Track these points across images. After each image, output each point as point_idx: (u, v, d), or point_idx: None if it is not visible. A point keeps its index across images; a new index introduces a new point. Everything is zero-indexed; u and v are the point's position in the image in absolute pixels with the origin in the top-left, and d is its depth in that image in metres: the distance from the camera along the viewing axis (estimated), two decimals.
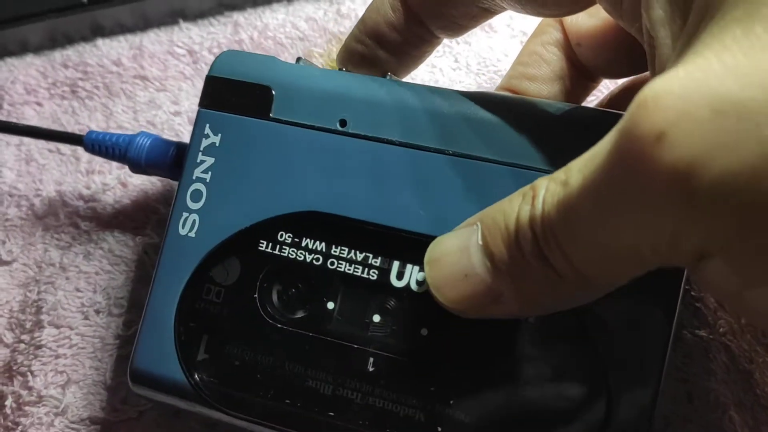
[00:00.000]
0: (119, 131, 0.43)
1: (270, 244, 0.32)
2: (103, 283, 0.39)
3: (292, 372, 0.31)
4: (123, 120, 0.43)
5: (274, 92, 0.33)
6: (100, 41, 0.45)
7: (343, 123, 0.32)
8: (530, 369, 0.29)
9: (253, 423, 0.31)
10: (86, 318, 0.38)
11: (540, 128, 0.30)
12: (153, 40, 0.45)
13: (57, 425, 0.36)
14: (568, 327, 0.29)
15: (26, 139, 0.44)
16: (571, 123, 0.30)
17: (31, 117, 0.44)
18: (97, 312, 0.38)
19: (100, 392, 0.37)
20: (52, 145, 0.43)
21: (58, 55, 0.46)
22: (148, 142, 0.37)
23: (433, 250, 0.27)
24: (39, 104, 0.45)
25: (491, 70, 0.41)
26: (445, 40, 0.39)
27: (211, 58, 0.44)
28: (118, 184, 0.41)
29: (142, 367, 0.32)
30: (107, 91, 0.44)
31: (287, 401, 0.30)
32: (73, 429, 0.36)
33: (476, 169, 0.30)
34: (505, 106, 0.31)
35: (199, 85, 0.43)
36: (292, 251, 0.32)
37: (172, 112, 0.43)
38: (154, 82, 0.44)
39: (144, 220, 0.40)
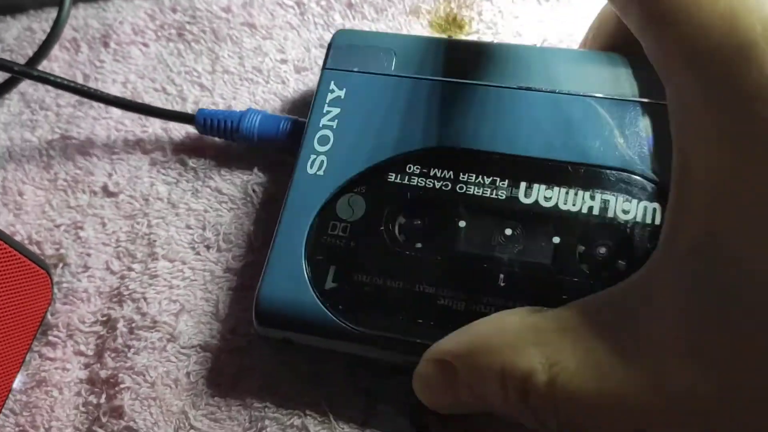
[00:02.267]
0: (226, 75, 0.44)
1: (398, 176, 0.35)
2: (212, 219, 0.40)
3: (423, 293, 0.32)
4: (229, 64, 0.44)
5: (395, 52, 0.37)
6: None
7: (461, 74, 0.36)
8: None
9: (386, 342, 0.32)
10: (197, 253, 0.39)
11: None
12: None
13: (169, 350, 0.37)
14: None
15: (132, 77, 0.45)
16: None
17: (137, 57, 0.45)
18: (207, 247, 0.39)
19: (210, 322, 0.37)
20: (158, 84, 0.44)
21: None
22: (258, 118, 0.40)
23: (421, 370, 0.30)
24: (145, 45, 0.46)
25: None
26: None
27: (318, 11, 0.45)
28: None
29: (271, 296, 0.33)
30: (214, 36, 0.45)
31: (420, 320, 0.32)
32: (184, 354, 0.37)
33: (576, 104, 0.35)
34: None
35: (305, 35, 0.44)
36: (421, 180, 0.34)
37: (279, 60, 0.44)
38: (261, 30, 0.45)
39: (250, 161, 0.41)
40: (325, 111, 0.37)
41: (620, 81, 0.35)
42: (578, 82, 0.35)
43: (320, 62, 0.43)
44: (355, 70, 0.38)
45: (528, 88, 0.36)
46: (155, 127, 0.43)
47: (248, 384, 0.36)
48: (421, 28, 0.44)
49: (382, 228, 0.34)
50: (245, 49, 0.45)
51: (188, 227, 0.40)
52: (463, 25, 0.43)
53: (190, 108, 0.43)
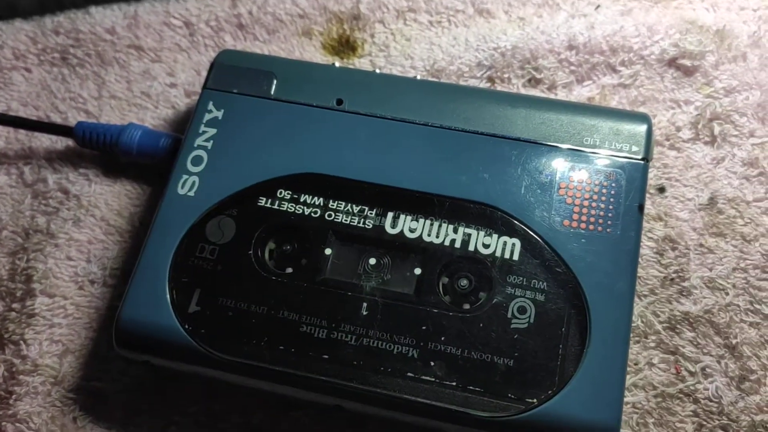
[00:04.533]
0: (113, 101, 0.42)
1: (269, 200, 0.35)
2: (98, 252, 0.38)
3: (286, 319, 0.32)
4: (116, 90, 0.43)
5: (276, 76, 0.37)
6: (93, 8, 0.45)
7: (339, 102, 0.37)
8: (515, 303, 0.32)
9: (245, 368, 0.32)
10: (81, 288, 0.38)
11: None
12: (148, 10, 0.44)
13: (54, 395, 0.35)
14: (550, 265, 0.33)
15: (14, 105, 0.43)
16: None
17: (19, 83, 0.43)
18: (92, 282, 0.38)
19: (96, 362, 0.36)
20: (42, 111, 0.43)
21: (48, 21, 0.45)
22: (139, 133, 0.39)
23: None
24: (28, 70, 0.44)
25: (491, 47, 0.42)
26: (444, 22, 0.42)
27: (208, 32, 0.44)
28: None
29: (132, 317, 0.33)
30: (99, 60, 0.43)
31: (281, 347, 0.32)
32: (69, 398, 0.35)
33: (450, 138, 0.36)
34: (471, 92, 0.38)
35: (196, 58, 0.43)
36: (291, 206, 0.35)
37: (168, 83, 0.43)
38: (149, 52, 0.43)
39: (138, 191, 0.40)
40: (201, 131, 0.36)
41: (493, 117, 0.36)
42: (453, 117, 0.36)
43: None
44: (235, 91, 0.37)
45: (402, 120, 0.36)
46: (38, 157, 0.41)
47: (138, 427, 0.35)
48: (314, 50, 0.43)
49: (251, 252, 0.34)
50: (133, 73, 0.43)
51: (69, 258, 0.38)
52: (356, 47, 0.43)
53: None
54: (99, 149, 0.40)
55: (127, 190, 0.40)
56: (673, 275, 0.36)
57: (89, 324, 0.37)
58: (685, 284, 0.36)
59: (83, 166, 0.40)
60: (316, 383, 0.32)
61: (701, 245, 0.37)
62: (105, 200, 0.39)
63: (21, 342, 0.36)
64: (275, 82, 0.37)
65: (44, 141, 0.42)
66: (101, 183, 0.40)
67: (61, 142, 0.41)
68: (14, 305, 0.37)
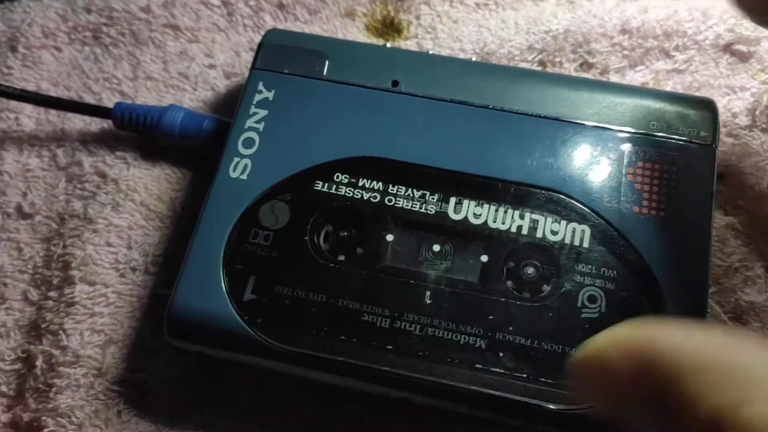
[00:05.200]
0: (149, 82, 0.41)
1: (325, 184, 0.33)
2: (139, 239, 0.37)
3: (346, 308, 0.31)
4: (152, 70, 0.41)
5: (328, 56, 0.36)
6: None
7: (395, 84, 0.35)
8: (585, 292, 0.31)
9: (306, 359, 0.31)
10: (122, 275, 0.36)
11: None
12: None
13: (97, 387, 0.34)
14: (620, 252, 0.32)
15: (44, 84, 0.41)
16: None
17: (48, 62, 0.42)
18: (134, 270, 0.36)
19: (140, 353, 0.34)
20: (74, 92, 0.41)
21: None
22: (182, 114, 0.38)
23: None
24: (58, 49, 0.42)
25: (542, 30, 0.41)
26: (491, 5, 0.42)
27: (247, 11, 0.42)
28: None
29: (185, 306, 0.32)
30: (134, 39, 0.42)
31: (342, 337, 0.31)
32: (113, 391, 0.34)
33: (512, 121, 0.34)
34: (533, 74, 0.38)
35: (234, 38, 0.42)
36: (349, 190, 0.33)
37: (206, 64, 0.41)
38: (186, 32, 0.42)
39: (179, 175, 0.38)
40: (251, 112, 0.35)
41: (556, 101, 0.35)
42: (514, 99, 0.35)
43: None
44: (286, 71, 0.36)
45: (463, 103, 0.35)
46: (72, 139, 0.40)
47: (186, 420, 0.33)
48: (357, 32, 0.41)
49: (307, 238, 0.33)
50: (169, 53, 0.41)
51: (109, 245, 0.36)
52: (401, 29, 0.41)
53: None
54: (138, 131, 0.38)
55: (166, 174, 0.38)
56: (737, 264, 0.35)
57: (132, 313, 0.35)
58: (749, 273, 0.35)
59: (120, 149, 0.39)
60: (381, 375, 0.30)
61: (764, 234, 0.36)
62: (144, 184, 0.38)
63: (60, 332, 0.35)
64: (327, 62, 0.36)
65: (77, 123, 0.40)
66: (140, 167, 0.38)
67: (95, 124, 0.40)
68: (51, 293, 0.36)
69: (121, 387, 0.34)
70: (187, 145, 0.37)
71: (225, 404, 0.33)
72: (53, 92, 0.41)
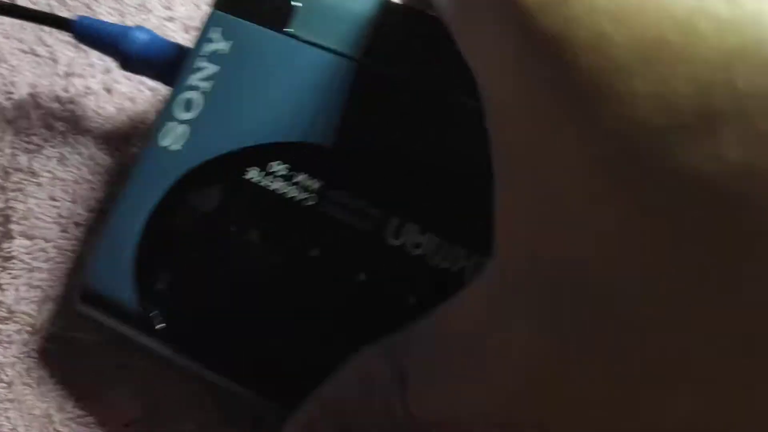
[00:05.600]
0: None
1: (261, 173, 0.29)
2: (85, 193, 0.35)
3: (251, 313, 0.28)
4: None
5: (297, 5, 0.30)
6: None
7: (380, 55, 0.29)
8: None
9: (200, 357, 0.28)
10: (65, 230, 0.34)
11: None
12: None
13: (30, 345, 0.32)
14: None
15: None
16: None
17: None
18: (77, 225, 0.34)
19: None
20: (26, 45, 0.39)
21: None
22: (147, 37, 0.34)
23: None
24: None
25: None
26: None
27: None
28: (101, 89, 0.37)
29: (94, 277, 0.29)
30: None
31: (244, 340, 0.28)
32: (48, 350, 0.32)
33: None
34: None
35: None
36: (284, 186, 0.29)
37: (165, 17, 0.39)
38: None
39: (129, 131, 0.36)
40: (199, 66, 0.30)
41: None
42: None
43: None
44: (249, 19, 0.30)
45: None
46: (21, 93, 0.38)
47: (121, 382, 0.31)
48: None
49: (231, 230, 0.29)
50: (126, 5, 0.39)
51: (53, 199, 0.34)
52: None
53: (61, 70, 0.38)
54: (100, 46, 0.34)
55: (117, 128, 0.36)
56: None
57: (72, 269, 0.33)
58: None
59: (69, 101, 0.37)
60: None
61: None
62: (93, 138, 0.36)
63: None
64: (298, 13, 0.30)
65: (28, 75, 0.38)
66: (91, 120, 0.36)
67: (45, 77, 0.38)
68: None
69: (55, 345, 0.32)
70: (149, 72, 0.34)
71: (161, 364, 0.31)
72: (5, 44, 0.39)
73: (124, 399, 0.31)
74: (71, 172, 0.35)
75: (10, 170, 0.36)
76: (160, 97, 0.37)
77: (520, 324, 0.18)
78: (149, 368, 0.31)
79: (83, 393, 0.31)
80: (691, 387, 0.16)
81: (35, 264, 0.33)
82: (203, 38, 0.30)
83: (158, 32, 0.37)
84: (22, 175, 0.35)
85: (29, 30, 0.39)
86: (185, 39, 0.38)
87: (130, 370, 0.31)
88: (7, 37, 0.39)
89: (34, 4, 0.39)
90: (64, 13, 0.39)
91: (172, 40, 0.37)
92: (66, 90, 0.37)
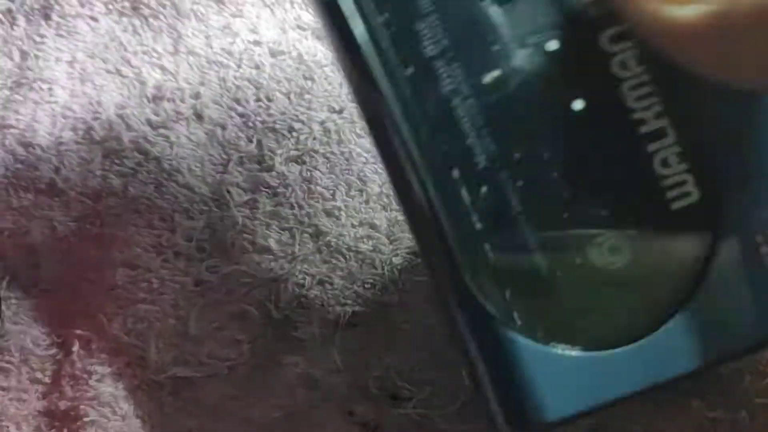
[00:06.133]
0: (191, 57, 0.39)
1: None
2: (183, 222, 0.35)
3: None
4: (194, 44, 0.39)
5: None
6: None
7: None
8: None
9: None
10: (165, 261, 0.34)
11: None
12: None
13: (139, 377, 0.32)
14: None
15: (80, 56, 0.39)
16: None
17: (84, 32, 0.39)
18: (177, 254, 0.34)
19: (182, 343, 0.33)
20: (111, 65, 0.39)
21: None
22: None
23: None
24: (94, 19, 0.40)
25: None
26: None
27: None
28: (192, 114, 0.37)
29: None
30: (175, 11, 0.40)
31: None
32: (156, 382, 0.32)
33: None
34: None
35: (280, 15, 0.40)
36: None
37: (251, 41, 0.39)
38: (230, 5, 0.40)
39: (224, 156, 0.37)
40: None
41: None
42: None
43: (298, 46, 0.38)
44: None
45: None
46: (109, 113, 0.38)
47: (229, 417, 0.32)
48: None
49: None
50: (212, 28, 0.39)
51: (151, 227, 0.34)
52: None
53: (149, 93, 0.38)
54: None
55: (210, 156, 0.36)
56: None
57: (174, 301, 0.33)
58: None
59: (162, 127, 0.37)
60: None
61: None
62: (187, 165, 0.36)
63: (100, 315, 0.33)
64: None
65: (114, 96, 0.38)
66: (183, 146, 0.36)
67: (134, 98, 0.38)
68: (89, 275, 0.34)
69: (164, 378, 0.32)
70: None
71: (272, 399, 0.32)
72: (89, 63, 0.39)
73: (234, 428, 0.32)
74: (168, 199, 0.35)
75: (103, 195, 0.36)
76: (250, 124, 0.37)
77: None
78: (258, 396, 0.32)
79: (192, 426, 0.31)
80: None
81: (139, 295, 0.33)
82: None
83: (245, 56, 0.38)
84: (116, 200, 0.35)
85: (113, 49, 0.39)
86: (272, 63, 0.38)
87: (236, 400, 0.32)
88: (91, 56, 0.39)
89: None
90: (150, 30, 0.39)
91: (261, 65, 0.38)
92: (156, 114, 0.37)
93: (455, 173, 0.22)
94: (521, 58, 0.22)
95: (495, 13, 0.22)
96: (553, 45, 0.22)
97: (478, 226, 0.22)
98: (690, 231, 0.22)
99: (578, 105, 0.22)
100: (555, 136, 0.22)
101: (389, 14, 0.22)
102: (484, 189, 0.22)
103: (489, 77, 0.22)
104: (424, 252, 0.24)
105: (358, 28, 0.22)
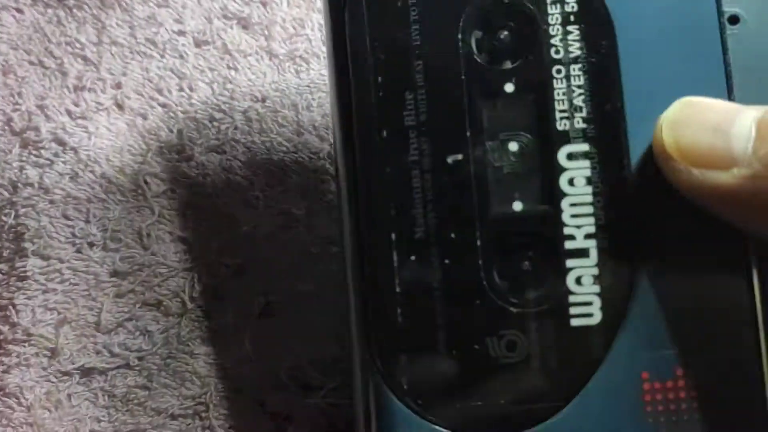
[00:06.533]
0: (114, 47, 0.38)
1: None
2: (98, 212, 0.35)
3: None
4: (118, 35, 0.39)
5: None
6: None
7: None
8: None
9: None
10: (78, 251, 0.34)
11: None
12: None
13: (48, 368, 0.32)
14: None
15: (3, 48, 0.39)
16: None
17: (9, 24, 0.39)
18: (91, 245, 0.34)
19: (94, 335, 0.32)
20: (34, 56, 0.38)
21: None
22: None
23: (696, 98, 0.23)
24: (19, 11, 0.39)
25: None
26: None
27: None
28: (113, 104, 0.37)
29: None
30: (99, 2, 0.39)
31: None
32: (65, 373, 0.32)
33: None
34: None
35: (206, 4, 0.39)
36: None
37: (176, 31, 0.39)
38: None
39: (143, 146, 0.36)
40: None
41: None
42: None
43: (223, 35, 0.38)
44: None
45: None
46: (29, 104, 0.37)
47: (140, 407, 0.31)
48: None
49: None
50: (137, 18, 0.39)
51: (66, 217, 0.34)
52: None
53: (71, 84, 0.37)
54: None
55: (129, 146, 0.36)
56: None
57: (87, 291, 0.33)
58: None
59: (81, 117, 0.36)
60: None
61: None
62: (106, 155, 0.36)
63: (10, 307, 0.32)
64: None
65: (36, 87, 0.38)
66: (102, 137, 0.36)
67: (54, 89, 0.37)
68: (1, 266, 0.34)
69: (73, 369, 0.32)
70: None
71: (183, 390, 0.31)
72: (12, 55, 0.38)
73: (143, 416, 0.31)
74: (84, 190, 0.35)
75: (20, 185, 0.35)
76: (171, 114, 0.37)
77: None
78: (167, 387, 0.31)
79: (101, 417, 0.31)
80: None
81: (50, 285, 0.33)
82: None
83: (168, 46, 0.37)
84: (32, 191, 0.35)
85: (37, 40, 0.39)
86: (197, 53, 0.38)
87: (145, 390, 0.31)
88: (15, 48, 0.39)
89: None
90: (74, 21, 0.38)
91: (185, 55, 0.37)
92: (76, 104, 0.37)
93: (393, 236, 0.24)
94: (484, 150, 0.24)
95: (476, 102, 0.24)
96: (514, 146, 0.24)
97: (398, 289, 0.24)
98: (583, 349, 0.23)
99: (518, 206, 0.24)
100: (490, 228, 0.24)
101: (383, 77, 0.24)
102: (413, 258, 0.24)
103: (451, 159, 0.24)
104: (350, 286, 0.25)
105: (354, 81, 0.24)
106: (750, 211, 0.22)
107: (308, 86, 0.37)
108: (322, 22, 0.37)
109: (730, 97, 0.23)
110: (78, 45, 0.38)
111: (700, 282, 0.24)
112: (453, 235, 0.24)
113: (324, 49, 0.37)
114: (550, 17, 0.24)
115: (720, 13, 0.23)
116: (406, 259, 0.24)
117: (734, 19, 0.24)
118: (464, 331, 0.24)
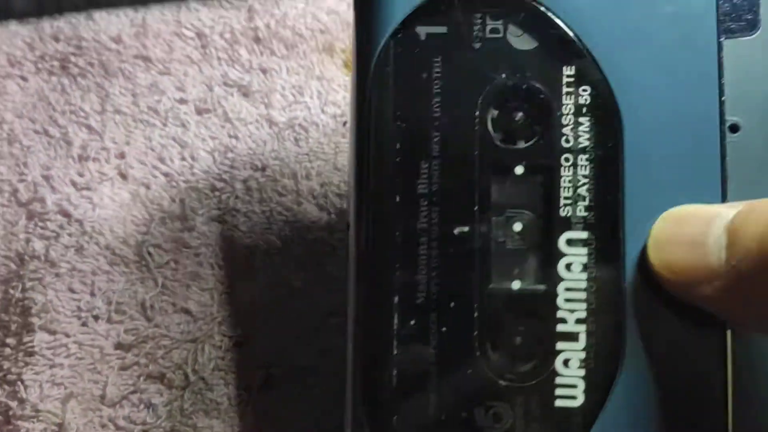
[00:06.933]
0: (117, 116, 0.39)
1: None
2: (102, 285, 0.35)
3: None
4: (120, 103, 0.39)
5: None
6: (96, 14, 0.41)
7: None
8: None
9: None
10: (84, 324, 0.35)
11: None
12: (157, 18, 0.41)
13: None
14: None
15: (8, 116, 0.40)
16: None
17: (14, 92, 0.40)
18: (96, 318, 0.35)
19: (99, 408, 0.33)
20: (39, 125, 0.39)
21: (47, 25, 0.41)
22: None
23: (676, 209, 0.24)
24: (24, 78, 0.40)
25: None
26: None
27: (222, 44, 0.41)
28: (116, 174, 0.38)
29: None
30: (103, 70, 0.40)
31: None
32: None
33: None
34: None
35: (208, 72, 0.40)
36: None
37: (177, 99, 0.39)
38: (157, 64, 0.40)
39: (146, 216, 0.37)
40: None
41: None
42: None
43: (224, 103, 0.39)
44: None
45: None
46: (35, 174, 0.38)
47: None
48: (335, 69, 0.40)
49: None
50: (139, 86, 0.40)
51: (72, 291, 0.35)
52: None
53: (75, 153, 0.38)
54: None
55: (133, 216, 0.37)
56: None
57: (93, 365, 0.34)
58: None
59: (85, 188, 0.37)
60: None
61: None
62: (110, 227, 0.36)
63: (18, 383, 0.33)
64: None
65: (41, 156, 0.38)
66: (105, 208, 0.37)
67: (60, 159, 0.38)
68: (9, 340, 0.34)
69: None
70: None
71: None
72: (18, 123, 0.39)
73: None
74: (89, 262, 0.36)
75: (26, 258, 0.36)
76: (174, 183, 0.37)
77: None
78: None
79: None
80: None
81: (57, 360, 0.34)
82: None
83: (171, 114, 0.38)
84: (38, 264, 0.36)
85: (41, 109, 0.40)
86: (198, 121, 0.39)
87: None
88: (19, 116, 0.40)
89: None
90: (78, 89, 0.39)
91: (187, 123, 0.38)
92: (81, 174, 0.38)
93: (396, 299, 0.24)
94: (491, 226, 0.24)
95: (486, 178, 0.24)
96: (518, 226, 0.25)
97: (395, 351, 0.24)
98: (563, 429, 0.24)
99: (516, 285, 0.24)
100: (488, 301, 0.24)
101: (402, 144, 0.25)
102: (412, 322, 0.24)
103: (458, 230, 0.24)
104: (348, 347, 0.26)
105: (374, 144, 0.25)
106: (734, 313, 0.23)
107: (307, 154, 0.37)
108: (322, 89, 0.38)
109: (723, 201, 0.24)
110: (82, 113, 0.39)
111: (682, 372, 0.24)
112: (452, 304, 0.24)
113: (322, 117, 0.38)
114: (564, 107, 0.24)
115: (722, 121, 0.24)
116: (406, 322, 0.24)
117: (734, 128, 0.24)
118: (454, 399, 0.24)
